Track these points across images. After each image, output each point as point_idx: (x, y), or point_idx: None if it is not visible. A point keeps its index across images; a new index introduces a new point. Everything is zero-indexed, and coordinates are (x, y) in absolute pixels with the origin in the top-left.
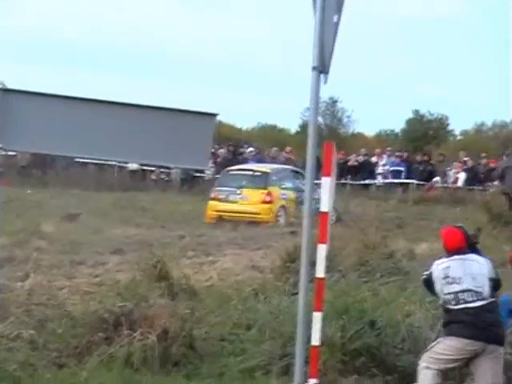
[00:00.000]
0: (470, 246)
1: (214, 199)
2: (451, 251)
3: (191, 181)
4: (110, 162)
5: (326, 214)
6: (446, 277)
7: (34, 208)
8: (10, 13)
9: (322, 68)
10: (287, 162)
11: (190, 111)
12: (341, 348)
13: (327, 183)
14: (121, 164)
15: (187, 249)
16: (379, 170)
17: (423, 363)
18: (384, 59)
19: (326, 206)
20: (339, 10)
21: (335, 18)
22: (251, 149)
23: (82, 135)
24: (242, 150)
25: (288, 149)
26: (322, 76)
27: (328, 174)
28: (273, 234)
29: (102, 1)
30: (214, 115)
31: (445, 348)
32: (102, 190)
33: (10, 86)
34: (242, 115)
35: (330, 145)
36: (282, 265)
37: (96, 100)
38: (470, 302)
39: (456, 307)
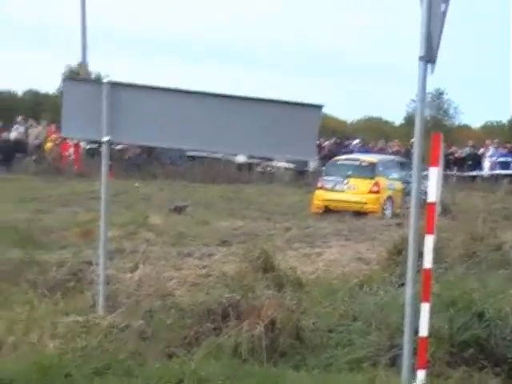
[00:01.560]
0: None
1: (320, 188)
2: None
3: (297, 173)
4: (216, 155)
5: (433, 204)
6: None
7: (143, 200)
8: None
9: (429, 58)
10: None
11: (297, 103)
12: (449, 339)
13: (434, 173)
14: (227, 157)
15: (293, 241)
16: (486, 161)
17: None
18: (489, 49)
19: (433, 196)
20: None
21: (443, 8)
22: (357, 140)
23: (189, 128)
24: (347, 142)
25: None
26: (429, 66)
27: (435, 165)
28: (379, 226)
29: None
30: (319, 107)
31: None
32: (209, 183)
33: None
34: (347, 108)
35: (438, 135)
36: (388, 256)
37: (202, 92)
38: None
39: None
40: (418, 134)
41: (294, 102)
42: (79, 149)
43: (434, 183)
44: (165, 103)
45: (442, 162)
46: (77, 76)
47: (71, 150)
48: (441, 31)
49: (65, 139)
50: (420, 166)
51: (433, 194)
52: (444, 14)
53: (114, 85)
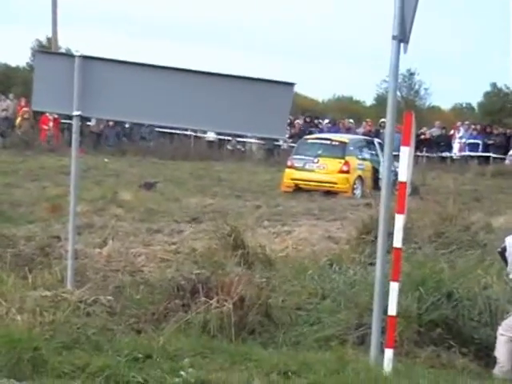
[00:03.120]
0: None
1: (290, 167)
2: None
3: (267, 151)
4: (186, 132)
5: (404, 183)
6: None
7: (112, 176)
8: None
9: (402, 37)
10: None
11: (269, 80)
12: (417, 319)
13: (406, 153)
14: (197, 134)
15: (263, 218)
16: (456, 142)
17: (499, 330)
18: (462, 31)
19: (404, 175)
20: None
21: None
22: (327, 120)
23: (161, 103)
24: (317, 120)
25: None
26: (402, 45)
27: (407, 144)
28: (349, 205)
29: None
30: (291, 84)
31: None
32: (179, 160)
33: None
34: (318, 87)
35: (410, 115)
36: (357, 236)
37: (175, 68)
38: None
39: None
40: (390, 113)
41: (266, 79)
42: (58, 123)
43: (405, 163)
44: (137, 78)
45: (413, 141)
46: (48, 49)
47: (50, 124)
48: (414, 11)
49: (43, 113)
50: (391, 146)
51: (404, 173)
52: None
53: (86, 58)
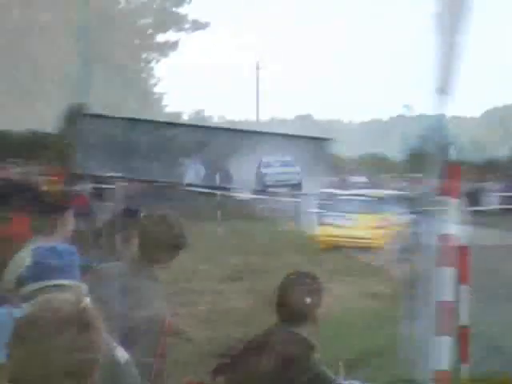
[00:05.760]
0: None
1: (326, 224)
2: None
3: None
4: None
5: (450, 236)
6: None
7: None
8: None
9: (444, 89)
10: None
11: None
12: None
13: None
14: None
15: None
16: None
17: None
18: None
19: (451, 228)
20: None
21: (459, 38)
22: (363, 178)
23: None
24: (352, 178)
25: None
26: (443, 97)
27: (455, 197)
28: (385, 261)
29: None
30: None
31: None
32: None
33: None
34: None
35: (457, 168)
36: (397, 291)
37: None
38: None
39: None
40: (433, 168)
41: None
42: None
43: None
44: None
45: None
46: None
47: None
48: (458, 62)
49: None
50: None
51: (450, 226)
52: (461, 45)
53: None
